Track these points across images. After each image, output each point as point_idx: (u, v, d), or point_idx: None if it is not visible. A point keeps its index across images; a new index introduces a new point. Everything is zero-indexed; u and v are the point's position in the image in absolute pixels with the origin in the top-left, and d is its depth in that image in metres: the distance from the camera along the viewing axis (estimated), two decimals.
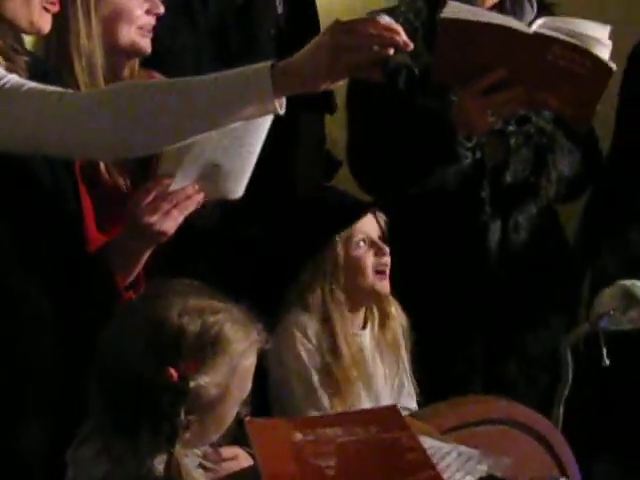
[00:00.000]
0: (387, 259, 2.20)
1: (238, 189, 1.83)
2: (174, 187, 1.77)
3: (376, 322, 2.27)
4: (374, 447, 1.50)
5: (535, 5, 2.32)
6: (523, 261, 2.35)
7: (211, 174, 1.76)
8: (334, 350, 2.14)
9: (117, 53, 1.98)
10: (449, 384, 2.19)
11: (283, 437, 1.49)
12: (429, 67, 2.15)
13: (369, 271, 2.19)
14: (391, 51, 1.49)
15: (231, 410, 1.50)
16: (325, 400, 2.10)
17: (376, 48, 1.50)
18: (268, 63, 1.53)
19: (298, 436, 1.50)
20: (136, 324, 1.50)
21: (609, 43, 2.03)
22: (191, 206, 1.81)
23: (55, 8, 1.75)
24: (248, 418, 1.54)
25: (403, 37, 1.51)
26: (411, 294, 2.29)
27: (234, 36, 2.40)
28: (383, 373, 2.24)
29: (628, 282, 1.89)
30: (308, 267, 2.19)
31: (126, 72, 2.05)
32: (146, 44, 1.99)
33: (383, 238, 2.23)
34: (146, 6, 1.96)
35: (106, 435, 1.47)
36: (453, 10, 2.06)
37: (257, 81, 1.52)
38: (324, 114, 2.65)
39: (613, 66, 2.02)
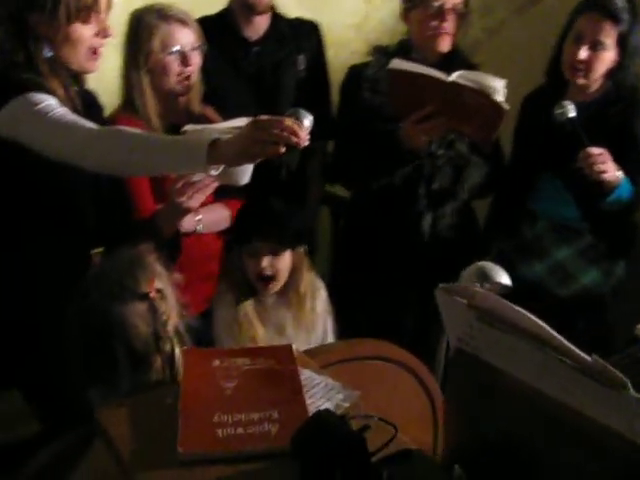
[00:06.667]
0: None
1: (244, 179, 1.71)
2: (196, 178, 1.72)
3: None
4: (267, 375, 1.41)
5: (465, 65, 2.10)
6: (446, 240, 2.21)
7: (225, 168, 1.64)
8: None
9: None
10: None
11: (206, 363, 1.42)
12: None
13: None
14: (283, 149, 1.40)
15: None
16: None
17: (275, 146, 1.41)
18: (209, 139, 1.44)
19: (216, 363, 1.43)
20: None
21: (504, 91, 1.86)
22: (208, 191, 1.76)
23: (99, 53, 1.67)
24: (184, 347, 1.45)
25: (298, 138, 1.40)
26: (362, 262, 2.22)
27: (268, 82, 2.30)
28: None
29: (481, 263, 1.70)
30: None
31: None
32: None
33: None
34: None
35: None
36: (396, 63, 1.93)
37: (197, 152, 1.45)
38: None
39: (507, 107, 1.87)
